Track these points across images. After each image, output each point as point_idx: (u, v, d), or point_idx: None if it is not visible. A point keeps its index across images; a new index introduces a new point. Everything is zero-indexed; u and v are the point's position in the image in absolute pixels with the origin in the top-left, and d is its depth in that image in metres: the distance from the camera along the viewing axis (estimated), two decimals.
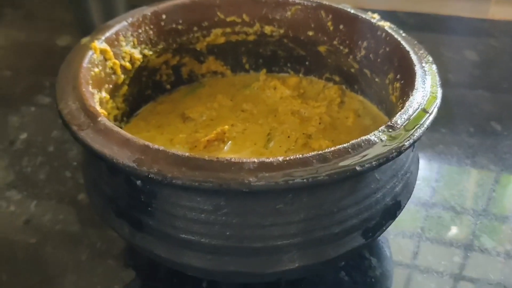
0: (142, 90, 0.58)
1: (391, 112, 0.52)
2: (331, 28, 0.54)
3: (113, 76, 0.48)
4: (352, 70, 0.55)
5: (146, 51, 0.53)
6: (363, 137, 0.34)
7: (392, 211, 0.40)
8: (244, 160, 0.32)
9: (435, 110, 0.38)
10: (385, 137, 0.34)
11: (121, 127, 0.55)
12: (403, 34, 0.48)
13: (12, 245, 0.52)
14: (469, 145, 0.65)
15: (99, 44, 0.46)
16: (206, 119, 0.56)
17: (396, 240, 0.52)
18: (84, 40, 0.47)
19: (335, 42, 0.54)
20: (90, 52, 0.44)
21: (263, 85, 0.60)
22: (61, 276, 0.48)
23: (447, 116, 0.71)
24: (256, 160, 0.32)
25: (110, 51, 0.47)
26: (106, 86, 0.47)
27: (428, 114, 0.37)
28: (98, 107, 0.41)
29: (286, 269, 0.37)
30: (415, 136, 0.35)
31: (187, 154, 0.33)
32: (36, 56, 0.90)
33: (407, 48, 0.45)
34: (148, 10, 0.52)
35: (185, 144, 0.53)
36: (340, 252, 0.37)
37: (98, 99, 0.43)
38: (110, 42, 0.47)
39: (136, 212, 0.37)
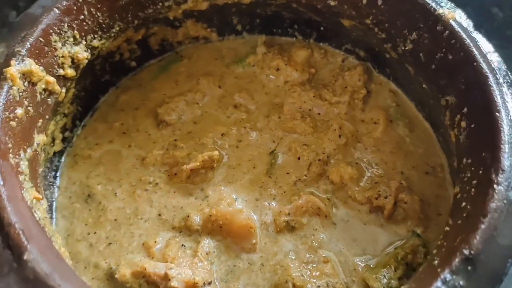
0: (97, 79, 0.42)
1: (437, 125, 0.39)
2: (364, 1, 0.37)
3: (49, 100, 0.33)
4: (387, 55, 0.40)
5: (95, 42, 0.36)
6: None
7: None
8: None
9: None
10: (462, 283, 0.23)
11: (72, 137, 0.41)
12: (476, 35, 0.32)
13: None
14: None
15: (19, 65, 0.30)
16: (187, 122, 0.42)
17: None
18: None
19: (367, 21, 0.38)
20: (5, 88, 0.29)
21: (262, 63, 0.45)
22: None
23: None
24: None
25: (39, 70, 0.31)
26: (40, 122, 0.32)
27: None
28: (28, 191, 0.27)
29: None
30: (504, 275, 0.24)
31: None
32: None
33: (485, 70, 0.30)
34: None
35: (162, 167, 0.40)
36: None
37: (27, 162, 0.29)
38: (36, 52, 0.31)
39: None
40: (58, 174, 0.39)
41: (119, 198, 0.38)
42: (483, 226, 0.25)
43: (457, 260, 0.24)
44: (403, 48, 0.37)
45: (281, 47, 0.46)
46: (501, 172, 0.26)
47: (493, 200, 0.25)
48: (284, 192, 0.38)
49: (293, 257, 0.35)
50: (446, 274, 0.23)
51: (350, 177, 0.38)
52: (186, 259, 0.34)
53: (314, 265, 0.34)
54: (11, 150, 0.28)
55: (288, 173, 0.39)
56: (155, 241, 0.35)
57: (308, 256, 0.35)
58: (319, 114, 0.42)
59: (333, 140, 0.40)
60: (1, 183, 0.25)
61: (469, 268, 0.23)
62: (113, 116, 0.43)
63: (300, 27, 0.46)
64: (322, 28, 0.44)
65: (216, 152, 0.38)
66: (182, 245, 0.35)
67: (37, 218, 0.26)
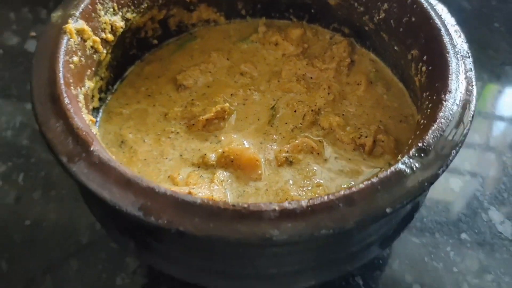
0: (127, 51, 0.50)
1: (408, 81, 0.47)
2: None
3: (94, 56, 0.41)
4: (366, 28, 0.49)
5: (129, 15, 0.45)
6: (393, 168, 0.31)
7: (411, 214, 0.38)
8: (264, 208, 0.29)
9: (471, 121, 0.34)
10: (417, 165, 0.31)
11: (107, 99, 0.49)
12: (433, 1, 0.41)
13: (7, 227, 0.50)
14: None
15: (75, 23, 0.38)
16: (202, 86, 0.50)
17: None
18: (55, 16, 0.39)
19: None
20: (65, 38, 0.37)
21: (263, 39, 0.53)
22: (63, 263, 0.47)
23: None
24: (277, 208, 0.29)
25: (88, 29, 0.40)
26: (89, 72, 0.40)
27: (465, 129, 0.33)
28: (85, 114, 0.35)
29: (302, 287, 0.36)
30: (449, 161, 0.32)
31: (199, 200, 0.29)
32: None
33: (438, 25, 0.39)
34: None
35: (181, 120, 0.48)
36: (357, 265, 0.36)
37: (83, 96, 0.37)
38: (86, 16, 0.40)
39: (143, 234, 0.35)
40: (96, 126, 0.47)
41: (147, 143, 0.46)
42: (433, 128, 0.33)
43: (413, 150, 0.32)
44: (377, 17, 0.45)
45: (279, 28, 0.55)
46: (448, 92, 0.35)
47: (441, 111, 0.34)
48: (284, 137, 0.46)
49: (292, 183, 0.42)
50: (405, 159, 0.31)
51: (337, 124, 0.46)
52: (205, 185, 0.41)
53: (309, 188, 0.42)
54: (71, 84, 0.36)
55: (286, 123, 0.47)
56: (178, 173, 0.43)
57: (304, 182, 0.42)
58: (311, 78, 0.50)
59: (323, 97, 0.48)
60: (67, 101, 0.33)
61: (422, 155, 0.31)
62: (139, 82, 0.51)
63: (295, 10, 0.54)
64: (312, 11, 0.53)
65: (227, 104, 0.46)
66: (201, 176, 0.43)
67: (94, 133, 0.34)
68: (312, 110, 0.47)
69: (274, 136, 0.46)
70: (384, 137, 0.44)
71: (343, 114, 0.47)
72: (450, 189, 0.51)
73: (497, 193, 0.52)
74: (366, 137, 0.44)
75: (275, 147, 0.45)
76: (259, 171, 0.43)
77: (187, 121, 0.47)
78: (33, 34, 0.68)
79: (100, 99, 0.48)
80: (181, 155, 0.45)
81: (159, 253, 0.35)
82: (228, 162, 0.43)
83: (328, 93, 0.48)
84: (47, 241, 0.49)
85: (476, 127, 0.58)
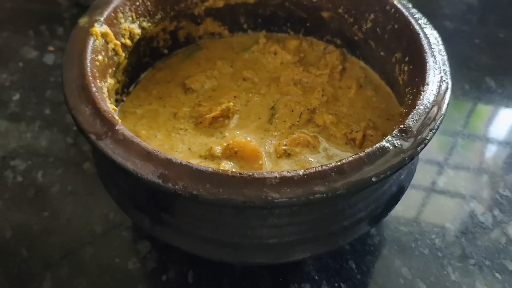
0: (140, 59, 0.56)
1: (393, 84, 0.52)
2: None
3: (115, 58, 0.47)
4: (356, 38, 0.55)
5: (144, 24, 0.51)
6: (378, 145, 0.35)
7: (396, 196, 0.43)
8: (266, 175, 0.33)
9: (446, 107, 0.39)
10: (399, 143, 0.36)
11: (122, 100, 0.54)
12: (413, 10, 0.47)
13: (27, 218, 0.54)
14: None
15: (100, 27, 0.44)
16: (208, 89, 0.56)
17: None
18: (82, 21, 0.44)
19: (340, 10, 0.53)
20: (91, 39, 0.42)
21: (263, 49, 0.59)
22: (79, 250, 0.51)
23: None
24: (277, 175, 0.33)
25: (111, 33, 0.45)
26: (110, 71, 0.45)
27: (441, 115, 0.38)
28: (108, 103, 0.40)
29: (299, 259, 0.40)
30: (427, 140, 0.36)
31: (210, 169, 0.34)
32: None
33: (417, 30, 0.44)
34: None
35: (190, 119, 0.53)
36: (348, 240, 0.40)
37: (106, 91, 0.42)
38: (109, 22, 0.45)
39: (156, 209, 0.39)
40: None
41: (159, 138, 0.50)
42: (413, 113, 0.38)
43: (396, 130, 0.37)
44: (365, 27, 0.51)
45: (277, 39, 0.60)
46: (426, 85, 0.40)
47: (420, 99, 0.39)
48: (282, 133, 0.51)
49: None
50: (388, 137, 0.36)
51: (331, 122, 0.51)
52: None
53: None
54: (97, 77, 0.41)
55: (284, 121, 0.52)
56: None
57: None
58: (307, 82, 0.56)
59: (318, 99, 0.53)
60: (95, 90, 0.38)
61: (403, 135, 0.36)
62: (151, 87, 0.56)
63: (292, 24, 0.60)
64: (308, 24, 0.59)
65: (232, 103, 0.52)
66: (208, 165, 0.47)
67: (117, 118, 0.39)
68: (308, 110, 0.52)
69: (274, 132, 0.51)
70: (372, 132, 0.49)
71: (336, 113, 0.52)
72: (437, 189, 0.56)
73: (479, 189, 0.56)
74: (357, 132, 0.49)
75: (274, 142, 0.50)
76: (260, 162, 0.48)
77: (194, 119, 0.52)
78: (51, 48, 0.73)
79: (116, 101, 0.53)
80: (189, 149, 0.50)
81: (171, 226, 0.39)
82: (232, 154, 0.48)
83: (322, 95, 0.53)
84: (64, 230, 0.53)
85: (469, 149, 0.62)
